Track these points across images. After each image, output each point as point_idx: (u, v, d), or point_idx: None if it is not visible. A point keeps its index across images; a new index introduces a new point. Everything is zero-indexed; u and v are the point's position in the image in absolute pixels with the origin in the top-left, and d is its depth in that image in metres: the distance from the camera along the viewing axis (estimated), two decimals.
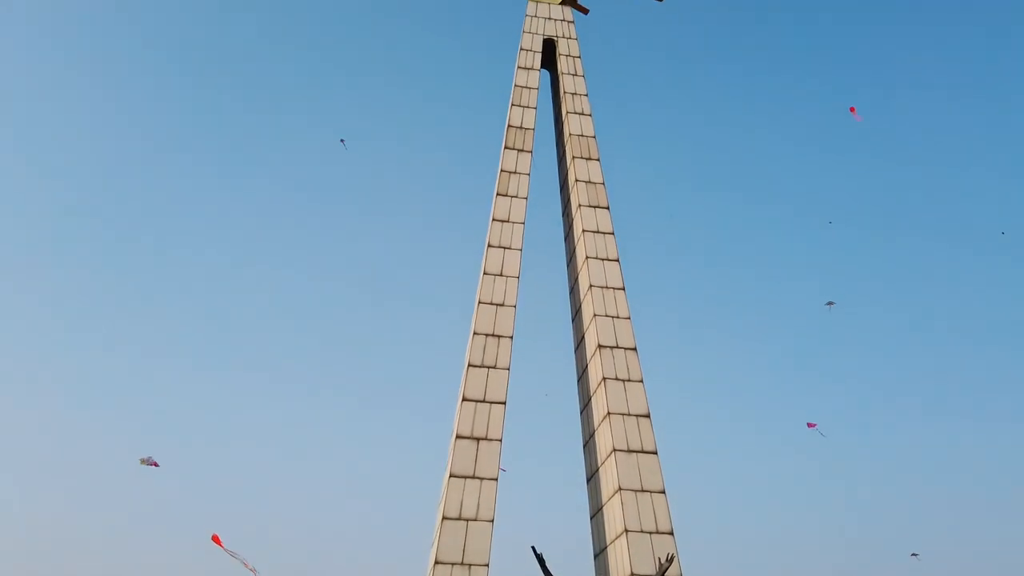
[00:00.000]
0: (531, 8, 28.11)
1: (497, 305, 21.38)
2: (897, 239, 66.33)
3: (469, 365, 20.23)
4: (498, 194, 23.64)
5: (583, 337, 22.49)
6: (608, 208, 23.63)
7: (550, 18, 27.97)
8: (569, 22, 28.08)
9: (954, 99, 72.77)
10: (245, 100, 73.03)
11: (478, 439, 19.12)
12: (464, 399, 19.69)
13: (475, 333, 20.83)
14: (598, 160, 24.69)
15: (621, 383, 20.25)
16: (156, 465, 22.11)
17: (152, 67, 70.21)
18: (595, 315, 21.31)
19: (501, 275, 21.97)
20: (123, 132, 68.77)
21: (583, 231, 23.02)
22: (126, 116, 68.83)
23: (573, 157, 24.67)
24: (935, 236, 66.02)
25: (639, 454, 19.14)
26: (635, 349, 20.80)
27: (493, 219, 23.04)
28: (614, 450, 19.11)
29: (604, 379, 20.21)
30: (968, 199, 67.49)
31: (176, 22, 71.68)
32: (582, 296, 22.70)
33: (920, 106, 73.30)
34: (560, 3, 28.34)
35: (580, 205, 23.55)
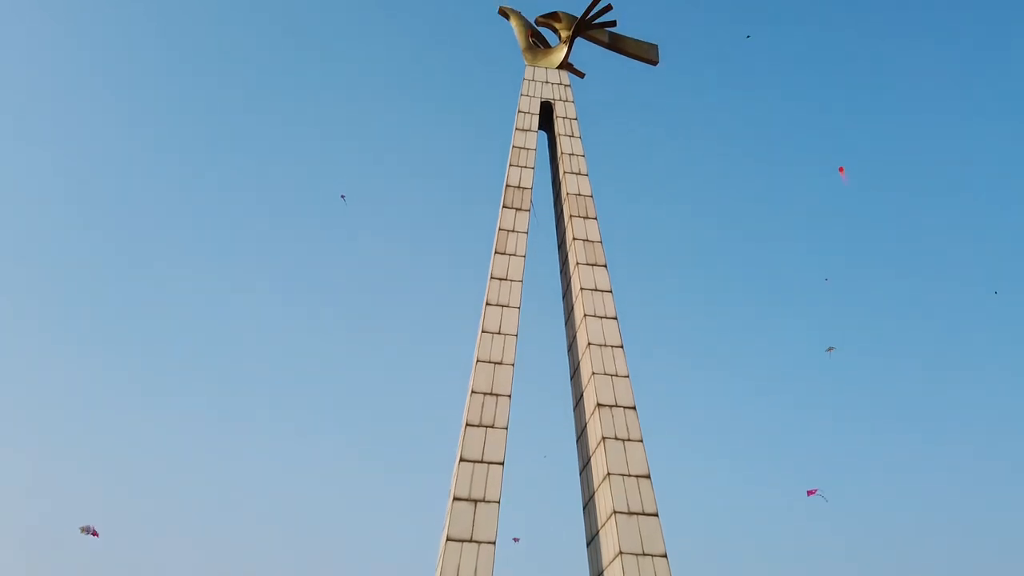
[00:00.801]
0: (529, 72, 28.88)
1: (495, 363, 21.27)
2: (896, 288, 66.79)
3: (467, 425, 20.00)
4: (496, 252, 23.80)
5: (582, 395, 22.30)
6: (606, 266, 23.77)
7: (547, 82, 28.69)
8: (566, 85, 28.79)
9: (953, 142, 74.23)
10: (245, 151, 74.23)
11: (476, 501, 18.76)
12: (462, 459, 19.40)
13: (473, 392, 20.67)
14: (595, 219, 24.95)
15: (621, 443, 19.99)
16: (96, 535, 21.51)
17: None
18: (593, 373, 21.19)
19: (499, 333, 21.93)
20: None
21: (581, 289, 23.09)
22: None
23: (571, 216, 24.94)
24: (934, 280, 66.64)
25: (640, 516, 18.75)
26: (634, 408, 20.61)
27: (491, 277, 23.13)
28: (614, 512, 18.73)
29: (603, 438, 19.95)
30: (967, 244, 68.29)
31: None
32: (580, 354, 22.61)
33: (919, 152, 74.67)
34: (557, 67, 29.13)
35: (578, 263, 23.70)
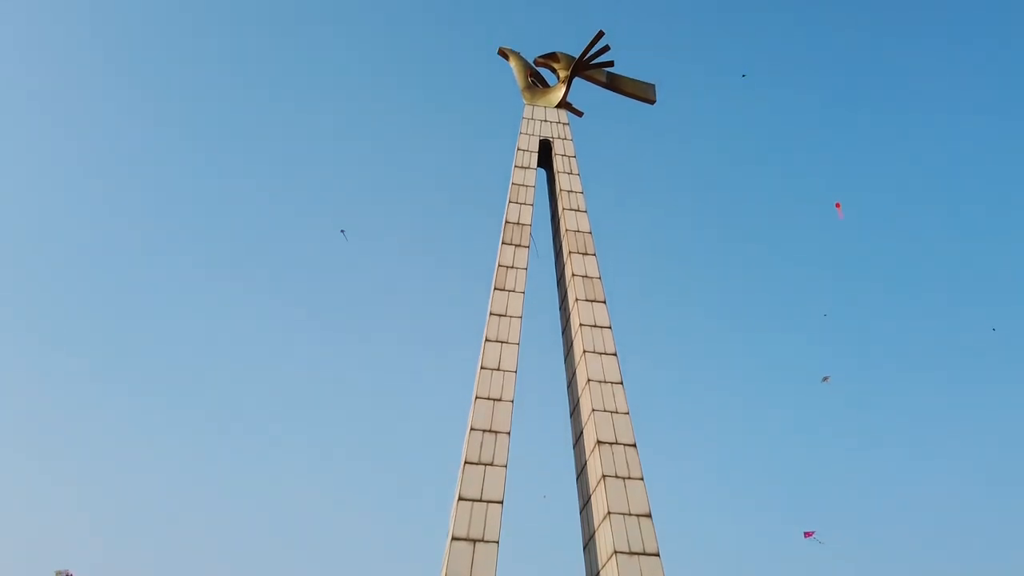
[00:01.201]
0: (528, 111, 29.26)
1: (494, 400, 21.14)
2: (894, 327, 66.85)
3: (466, 463, 19.79)
4: (495, 288, 23.82)
5: (581, 432, 22.12)
6: (605, 302, 23.78)
7: (546, 120, 29.06)
8: (564, 124, 29.14)
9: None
10: (248, 194, 74.71)
11: (475, 541, 18.47)
12: (460, 498, 19.15)
13: (472, 429, 20.50)
14: (594, 255, 25.05)
15: (621, 480, 19.76)
16: None
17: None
18: (593, 410, 21.05)
19: (499, 370, 21.84)
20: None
21: (580, 325, 23.07)
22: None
23: (570, 252, 25.03)
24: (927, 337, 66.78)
25: (641, 556, 18.44)
26: (635, 445, 20.42)
27: (491, 313, 23.11)
28: (615, 552, 18.43)
29: (604, 476, 19.73)
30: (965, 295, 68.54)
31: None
32: (580, 391, 22.49)
33: (913, 204, 75.28)
34: (556, 106, 29.52)
35: (577, 299, 23.71)
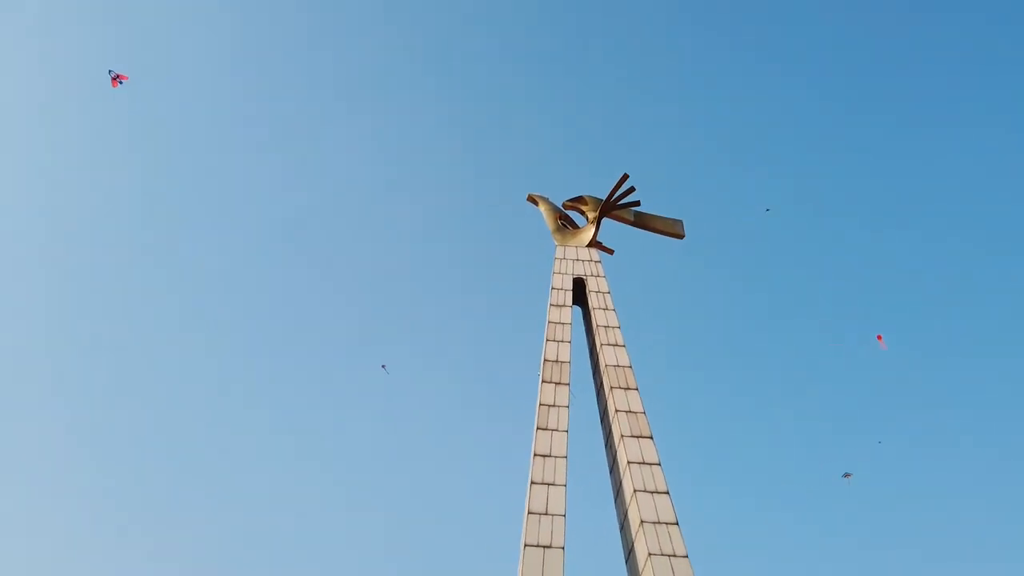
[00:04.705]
0: (559, 252, 30.00)
1: (544, 547, 20.07)
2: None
3: None
4: (538, 428, 23.34)
5: None
6: (652, 437, 23.06)
7: (578, 259, 29.69)
8: (596, 262, 29.71)
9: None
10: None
11: None
12: None
13: None
14: (636, 389, 24.61)
15: None
16: None
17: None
18: (650, 554, 19.83)
19: (547, 514, 20.91)
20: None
21: (628, 463, 22.27)
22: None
23: (611, 388, 24.67)
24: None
25: None
26: None
27: (535, 455, 22.51)
28: None
29: None
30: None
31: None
32: (634, 534, 21.32)
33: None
34: (587, 246, 30.28)
35: (623, 436, 23.06)
